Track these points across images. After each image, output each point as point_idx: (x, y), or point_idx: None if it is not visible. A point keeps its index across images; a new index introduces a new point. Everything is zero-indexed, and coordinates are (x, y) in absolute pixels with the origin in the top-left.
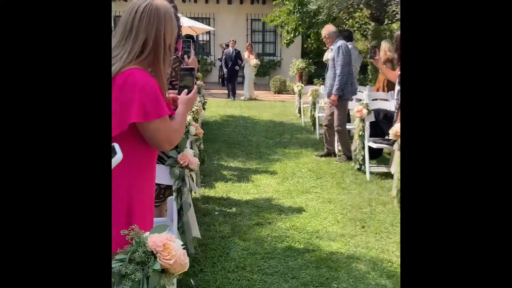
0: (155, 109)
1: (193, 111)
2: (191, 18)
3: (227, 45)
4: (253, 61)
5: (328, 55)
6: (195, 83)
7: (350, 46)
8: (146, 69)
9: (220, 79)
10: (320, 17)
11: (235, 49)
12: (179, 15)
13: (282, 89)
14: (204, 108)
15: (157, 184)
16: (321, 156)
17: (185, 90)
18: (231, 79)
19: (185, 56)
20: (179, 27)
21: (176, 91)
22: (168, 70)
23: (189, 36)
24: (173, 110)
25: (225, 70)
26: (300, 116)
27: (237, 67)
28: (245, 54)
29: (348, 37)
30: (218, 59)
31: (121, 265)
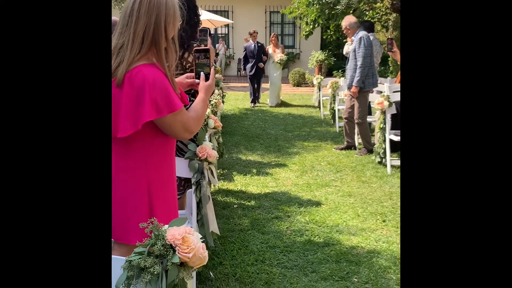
0: (166, 104)
1: (212, 104)
2: (209, 11)
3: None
4: (278, 55)
5: (347, 48)
6: (212, 66)
7: (371, 37)
8: (153, 62)
9: (239, 72)
10: (339, 7)
11: (257, 42)
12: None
13: (301, 82)
14: (223, 101)
15: (177, 177)
16: (341, 149)
17: (202, 75)
18: (254, 78)
19: (202, 45)
20: (198, 18)
21: (193, 74)
22: (174, 62)
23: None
24: (187, 100)
25: (247, 68)
26: (319, 108)
27: (261, 64)
28: (269, 49)
29: (370, 28)
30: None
31: (139, 258)
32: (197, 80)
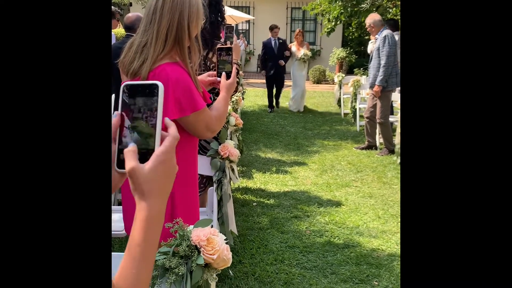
0: (189, 103)
1: (232, 101)
2: (230, 7)
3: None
4: (301, 52)
5: (372, 47)
6: (236, 63)
7: (396, 36)
8: (176, 60)
9: (258, 68)
10: (363, 5)
11: (279, 39)
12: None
13: (321, 79)
14: (242, 98)
15: (198, 174)
16: (362, 148)
17: (224, 74)
18: (274, 80)
19: (228, 43)
20: (223, 17)
21: (215, 73)
22: (198, 61)
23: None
24: (209, 99)
25: (267, 69)
26: (340, 107)
27: (281, 61)
28: (292, 46)
29: (395, 26)
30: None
31: (164, 258)
32: (218, 78)
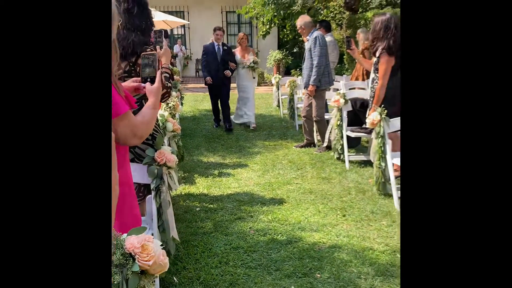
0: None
1: (170, 107)
2: (164, 12)
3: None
4: (249, 58)
5: None
6: (167, 67)
7: (330, 37)
8: None
9: (197, 73)
10: (295, 7)
11: (224, 44)
12: (152, 9)
13: (260, 82)
14: (181, 103)
15: (135, 183)
16: (301, 147)
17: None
18: (218, 92)
19: (157, 47)
20: (151, 22)
21: (140, 79)
22: (116, 63)
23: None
24: (134, 104)
25: (208, 79)
26: (279, 108)
27: (228, 72)
28: (237, 52)
29: (327, 27)
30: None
31: None
32: (142, 84)
